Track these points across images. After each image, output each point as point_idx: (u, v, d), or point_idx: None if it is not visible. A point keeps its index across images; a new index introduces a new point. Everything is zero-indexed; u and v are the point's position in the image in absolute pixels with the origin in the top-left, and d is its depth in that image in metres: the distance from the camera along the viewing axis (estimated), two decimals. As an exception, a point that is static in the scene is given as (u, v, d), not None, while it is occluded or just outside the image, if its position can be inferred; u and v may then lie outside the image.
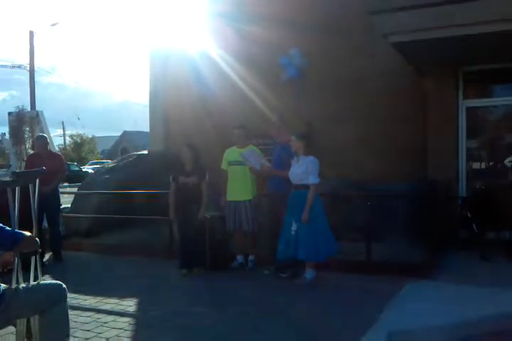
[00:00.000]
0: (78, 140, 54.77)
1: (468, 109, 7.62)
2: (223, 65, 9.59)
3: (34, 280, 3.42)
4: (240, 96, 9.51)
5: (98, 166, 24.28)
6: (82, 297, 5.09)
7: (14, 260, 3.25)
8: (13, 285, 3.17)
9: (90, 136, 56.24)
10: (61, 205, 7.41)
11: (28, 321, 3.36)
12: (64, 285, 3.29)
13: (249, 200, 6.05)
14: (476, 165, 7.95)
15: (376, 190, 6.45)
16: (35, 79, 24.69)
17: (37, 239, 3.18)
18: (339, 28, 8.88)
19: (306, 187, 5.32)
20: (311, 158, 5.42)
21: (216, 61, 9.65)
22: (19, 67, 25.00)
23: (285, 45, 9.05)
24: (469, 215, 6.59)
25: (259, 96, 9.37)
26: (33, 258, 3.44)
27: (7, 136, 21.43)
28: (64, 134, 55.16)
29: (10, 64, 26.29)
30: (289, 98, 9.15)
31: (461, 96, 7.59)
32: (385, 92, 8.64)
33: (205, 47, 9.87)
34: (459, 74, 7.58)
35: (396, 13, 6.23)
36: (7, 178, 3.41)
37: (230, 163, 6.18)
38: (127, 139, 55.94)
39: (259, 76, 9.40)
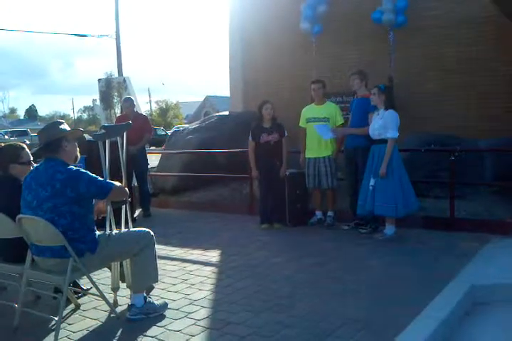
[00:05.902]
0: (163, 106, 56.43)
1: None
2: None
3: (125, 228, 3.71)
4: (317, 52, 9.34)
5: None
6: (169, 248, 5.41)
7: (107, 208, 3.51)
8: (107, 232, 3.46)
9: (175, 102, 57.75)
10: (148, 164, 7.78)
11: (121, 265, 3.67)
12: (152, 233, 3.54)
13: (329, 156, 6.02)
14: None
15: (461, 146, 6.20)
16: (123, 48, 25.50)
17: (126, 188, 3.43)
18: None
19: (385, 141, 5.20)
20: (390, 111, 5.25)
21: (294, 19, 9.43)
22: (106, 35, 25.90)
23: None
24: None
25: (338, 52, 9.14)
26: (123, 208, 3.70)
27: (98, 102, 22.64)
28: (150, 101, 57.17)
29: (97, 34, 27.28)
30: (370, 52, 8.86)
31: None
32: (473, 44, 8.09)
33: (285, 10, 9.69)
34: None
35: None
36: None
37: (308, 120, 6.15)
38: (209, 104, 56.82)
39: (338, 30, 9.13)
